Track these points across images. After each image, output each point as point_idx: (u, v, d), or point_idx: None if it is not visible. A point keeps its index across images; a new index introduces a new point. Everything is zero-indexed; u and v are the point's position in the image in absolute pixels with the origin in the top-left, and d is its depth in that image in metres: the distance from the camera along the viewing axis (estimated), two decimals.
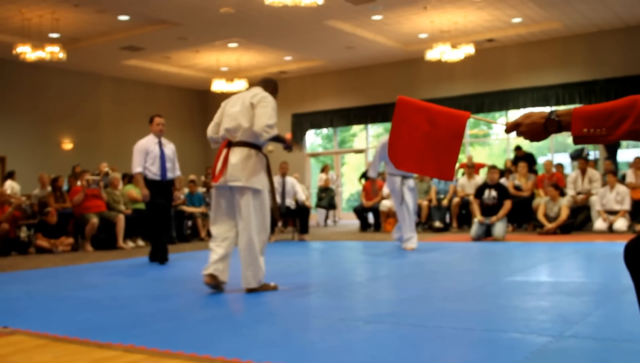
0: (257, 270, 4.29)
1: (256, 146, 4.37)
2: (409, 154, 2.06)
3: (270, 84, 4.63)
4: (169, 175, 6.98)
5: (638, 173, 10.16)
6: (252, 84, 4.67)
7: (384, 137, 7.40)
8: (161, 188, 6.92)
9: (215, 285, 4.37)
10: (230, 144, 4.35)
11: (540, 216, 9.49)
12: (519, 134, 1.80)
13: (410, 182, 7.60)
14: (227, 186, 4.35)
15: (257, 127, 4.27)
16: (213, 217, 4.47)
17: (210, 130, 4.59)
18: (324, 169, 15.00)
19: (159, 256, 6.88)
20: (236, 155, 4.30)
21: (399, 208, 7.61)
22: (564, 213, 9.27)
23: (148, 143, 6.91)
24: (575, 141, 1.71)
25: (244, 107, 4.34)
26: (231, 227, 4.42)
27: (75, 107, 15.53)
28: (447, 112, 2.00)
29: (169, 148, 7.05)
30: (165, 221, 7.14)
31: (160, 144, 6.95)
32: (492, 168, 9.47)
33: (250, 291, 4.29)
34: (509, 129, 1.83)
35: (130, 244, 9.50)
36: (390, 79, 15.91)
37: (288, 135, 4.72)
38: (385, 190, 11.55)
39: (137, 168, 6.80)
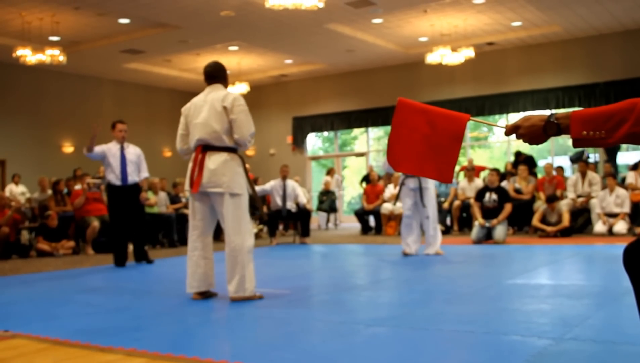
0: (244, 279, 4.09)
1: (233, 150, 4.22)
2: (408, 156, 2.05)
3: (222, 75, 4.37)
4: (131, 179, 7.03)
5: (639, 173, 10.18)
6: (208, 79, 4.35)
7: None
8: (123, 193, 7.00)
9: (205, 297, 4.30)
10: (205, 149, 4.19)
11: (535, 221, 9.48)
12: (518, 137, 1.80)
13: (410, 183, 7.16)
14: (204, 192, 4.20)
15: (241, 137, 4.15)
16: (192, 225, 4.30)
17: (178, 143, 4.44)
18: (330, 172, 14.99)
19: (121, 260, 7.12)
20: (213, 161, 4.13)
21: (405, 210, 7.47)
22: (566, 219, 9.25)
23: (109, 147, 7.00)
24: (575, 144, 1.71)
25: (216, 112, 4.15)
26: (209, 233, 4.34)
27: (75, 110, 15.53)
28: (446, 114, 1.99)
29: (132, 153, 7.10)
30: (134, 224, 7.16)
31: (122, 148, 7.02)
32: (493, 170, 9.48)
33: (235, 300, 4.10)
34: (508, 132, 1.83)
35: (132, 247, 9.47)
36: (390, 82, 15.92)
37: None
38: (386, 193, 11.56)
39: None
